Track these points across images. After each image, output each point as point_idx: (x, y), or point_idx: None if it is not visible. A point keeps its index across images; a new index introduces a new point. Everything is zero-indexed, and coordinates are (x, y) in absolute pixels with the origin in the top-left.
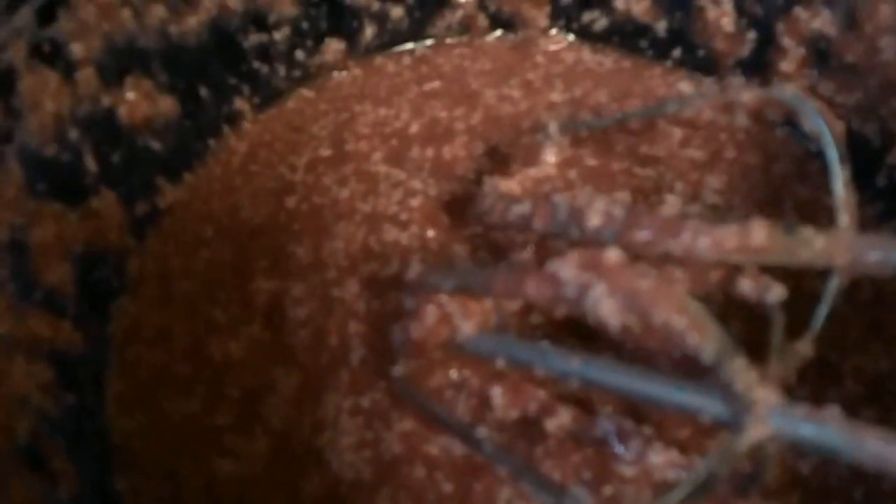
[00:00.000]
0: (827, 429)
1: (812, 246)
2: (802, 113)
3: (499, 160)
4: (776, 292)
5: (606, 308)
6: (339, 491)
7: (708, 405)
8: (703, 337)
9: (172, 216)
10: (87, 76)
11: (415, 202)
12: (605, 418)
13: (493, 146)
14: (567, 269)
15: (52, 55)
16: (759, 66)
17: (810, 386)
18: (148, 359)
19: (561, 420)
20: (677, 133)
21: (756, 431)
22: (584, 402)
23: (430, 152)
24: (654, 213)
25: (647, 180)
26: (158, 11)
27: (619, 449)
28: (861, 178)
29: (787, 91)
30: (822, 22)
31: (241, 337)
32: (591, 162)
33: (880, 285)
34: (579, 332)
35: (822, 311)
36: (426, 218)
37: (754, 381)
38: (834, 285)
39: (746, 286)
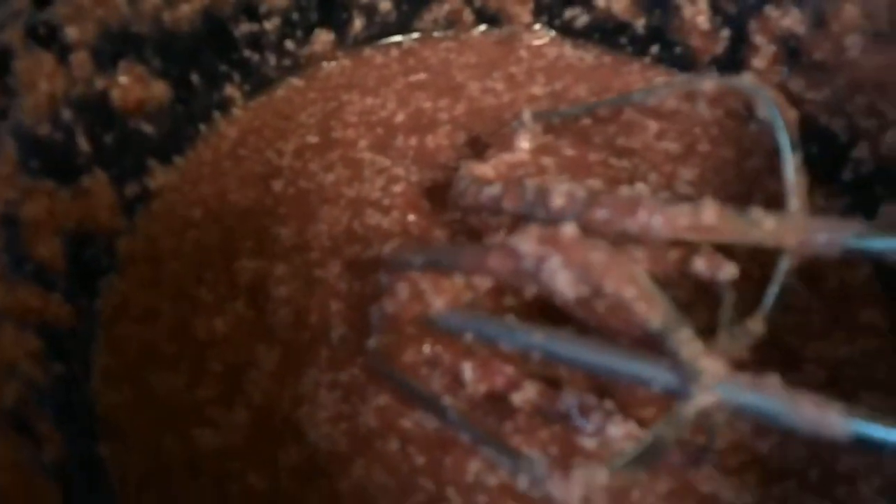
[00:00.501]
0: (767, 396)
1: (762, 226)
2: (758, 101)
3: (480, 149)
4: (728, 271)
5: (562, 279)
6: (316, 462)
7: (659, 375)
8: (651, 307)
9: (162, 198)
10: (81, 59)
11: (397, 188)
12: (569, 393)
13: (474, 136)
14: (526, 243)
15: (47, 38)
16: (733, 63)
17: (772, 370)
18: (135, 335)
19: (527, 394)
20: (653, 126)
21: (702, 399)
22: (551, 379)
23: (413, 141)
24: (613, 193)
25: (622, 171)
26: None
27: (581, 422)
28: (828, 172)
29: (745, 80)
30: (792, 21)
31: (225, 315)
32: (570, 152)
33: (846, 276)
34: (549, 314)
35: (773, 291)
36: (408, 203)
37: (700, 351)
38: (784, 265)
39: (700, 265)
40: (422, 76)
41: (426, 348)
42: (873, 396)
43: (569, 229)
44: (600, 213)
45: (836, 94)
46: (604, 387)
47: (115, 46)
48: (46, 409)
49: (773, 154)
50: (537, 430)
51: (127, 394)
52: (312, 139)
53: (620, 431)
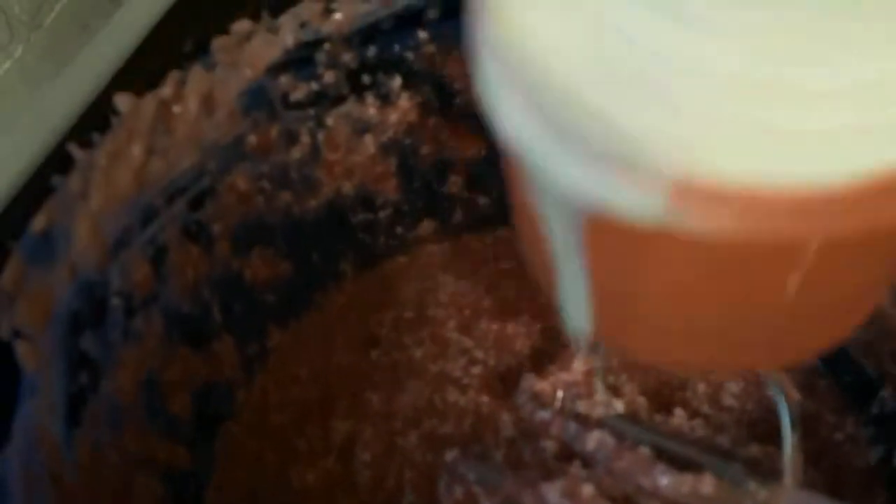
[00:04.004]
0: None
1: (756, 497)
2: (764, 380)
3: (549, 341)
4: None
5: None
6: None
7: None
8: None
9: (277, 355)
10: (222, 248)
11: (476, 370)
12: None
13: (549, 326)
14: (553, 494)
15: (197, 233)
16: None
17: None
18: (241, 479)
19: None
20: None
21: None
22: None
23: (496, 326)
24: (636, 451)
25: (674, 377)
26: (286, 196)
27: None
28: (859, 401)
29: None
30: None
31: (317, 468)
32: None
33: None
34: None
35: None
36: (483, 385)
37: None
38: None
39: None
40: (511, 264)
41: None
42: None
43: (588, 489)
44: (621, 466)
45: (868, 337)
46: None
47: (251, 235)
48: None
49: (809, 373)
50: None
51: None
52: (409, 314)
53: None
